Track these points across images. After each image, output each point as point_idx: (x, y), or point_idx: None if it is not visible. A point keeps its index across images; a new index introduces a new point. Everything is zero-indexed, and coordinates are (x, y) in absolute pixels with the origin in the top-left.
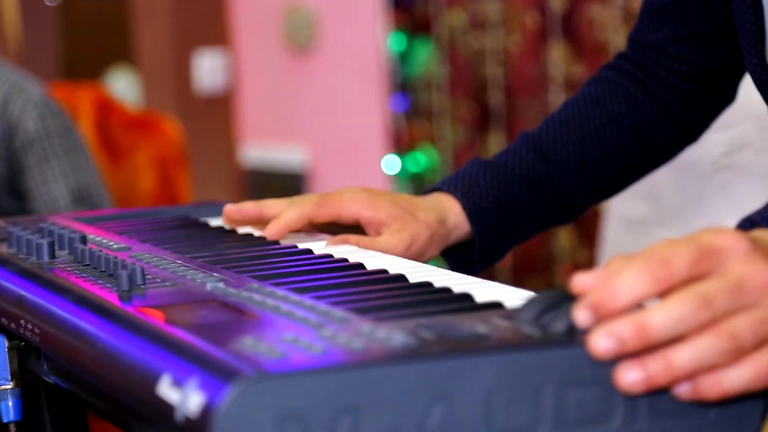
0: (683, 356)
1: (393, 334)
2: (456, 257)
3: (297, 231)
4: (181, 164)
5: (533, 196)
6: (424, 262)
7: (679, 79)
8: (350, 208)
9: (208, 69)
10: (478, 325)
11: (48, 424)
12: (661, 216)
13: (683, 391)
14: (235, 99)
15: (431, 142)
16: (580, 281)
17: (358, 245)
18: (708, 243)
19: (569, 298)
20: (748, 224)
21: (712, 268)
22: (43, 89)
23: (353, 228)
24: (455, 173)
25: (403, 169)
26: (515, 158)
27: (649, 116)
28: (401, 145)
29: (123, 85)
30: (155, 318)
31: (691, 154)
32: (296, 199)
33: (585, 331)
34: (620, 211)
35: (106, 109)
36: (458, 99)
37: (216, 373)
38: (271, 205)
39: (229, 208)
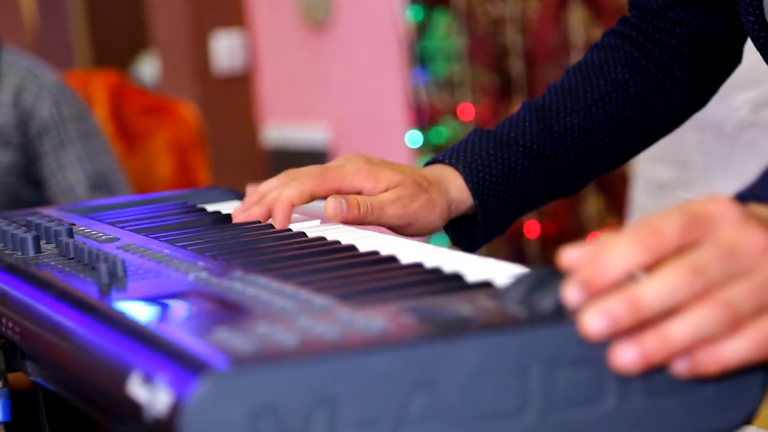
0: (679, 329)
1: (371, 321)
2: (458, 231)
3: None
4: (198, 148)
5: (538, 167)
6: (428, 232)
7: (682, 43)
8: (351, 181)
9: (225, 50)
10: (462, 307)
11: (45, 426)
12: (688, 178)
13: (681, 367)
14: (254, 79)
15: (453, 115)
16: (569, 257)
17: (359, 201)
18: (698, 210)
19: (558, 275)
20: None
21: (704, 236)
22: (58, 76)
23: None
24: (457, 144)
25: (427, 143)
26: (519, 129)
27: (654, 82)
28: (423, 119)
29: (150, 70)
30: (131, 312)
31: (716, 114)
32: (295, 174)
33: (574, 309)
34: (647, 175)
35: (121, 95)
36: (478, 69)
37: (185, 368)
38: (272, 190)
39: (236, 213)
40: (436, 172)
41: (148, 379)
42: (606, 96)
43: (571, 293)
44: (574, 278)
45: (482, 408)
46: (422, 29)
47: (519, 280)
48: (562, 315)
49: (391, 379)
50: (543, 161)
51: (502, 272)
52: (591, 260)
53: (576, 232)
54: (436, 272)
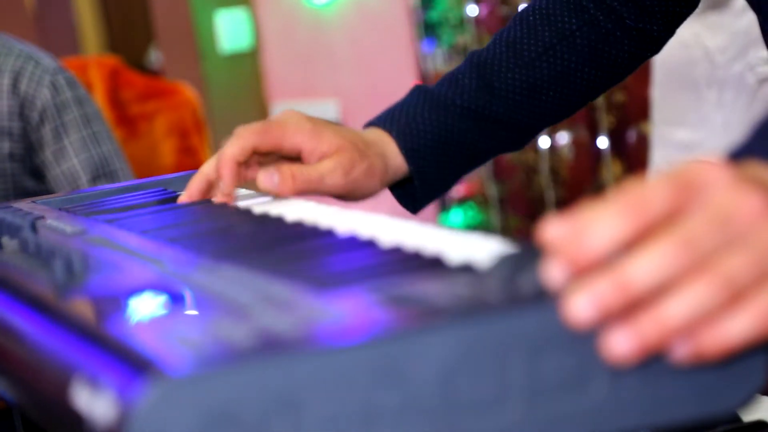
0: (676, 309)
1: (334, 313)
2: (400, 191)
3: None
4: (200, 131)
5: (476, 127)
6: (368, 197)
7: None
8: (293, 138)
9: (230, 29)
10: (435, 293)
11: None
12: (708, 137)
13: (681, 352)
14: (260, 58)
15: None
16: (549, 232)
17: (293, 174)
18: (686, 174)
19: (539, 253)
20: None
21: (693, 202)
22: (57, 61)
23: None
24: (394, 106)
25: None
26: (457, 87)
27: (603, 31)
28: None
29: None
30: (81, 309)
31: (734, 71)
32: (238, 130)
33: (557, 290)
34: (665, 135)
35: (119, 80)
36: (488, 37)
37: (131, 370)
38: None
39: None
40: (373, 135)
41: (92, 383)
42: (551, 49)
43: (552, 273)
44: (556, 256)
45: (460, 401)
46: None
47: (500, 262)
48: (543, 297)
49: (357, 375)
50: (482, 121)
51: (490, 251)
52: (572, 235)
53: (594, 196)
54: (416, 256)
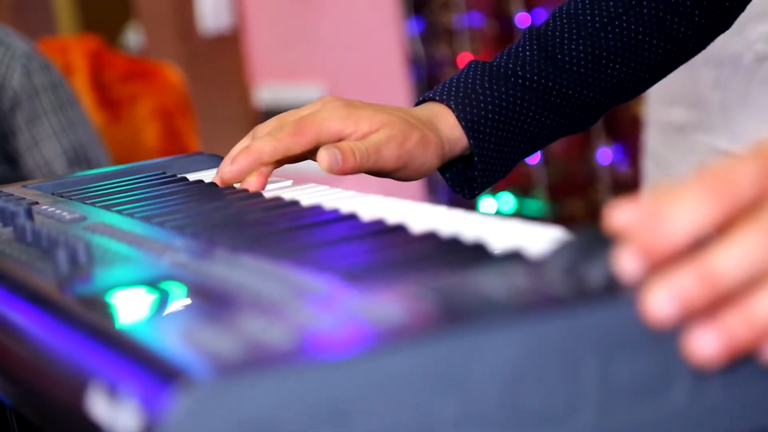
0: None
1: (384, 309)
2: (455, 175)
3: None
4: (186, 114)
5: (540, 100)
6: (424, 173)
7: None
8: (329, 129)
9: (211, 8)
10: (493, 286)
11: None
12: (705, 119)
13: None
14: (243, 38)
15: (453, 65)
16: (620, 216)
17: (352, 149)
18: None
19: (608, 240)
20: None
21: None
22: (31, 44)
23: None
24: (449, 79)
25: None
26: (518, 59)
27: (671, 1)
28: (421, 71)
29: (138, 39)
30: (93, 306)
31: (732, 48)
32: (272, 130)
33: (631, 282)
34: (660, 118)
35: (101, 61)
36: (477, 16)
37: (157, 377)
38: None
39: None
40: (425, 111)
41: (111, 391)
42: (617, 19)
43: (626, 263)
44: (630, 244)
45: (527, 410)
46: None
47: (560, 249)
48: (617, 290)
49: (412, 381)
50: (546, 94)
51: (532, 237)
52: (649, 220)
53: (586, 183)
54: (455, 242)
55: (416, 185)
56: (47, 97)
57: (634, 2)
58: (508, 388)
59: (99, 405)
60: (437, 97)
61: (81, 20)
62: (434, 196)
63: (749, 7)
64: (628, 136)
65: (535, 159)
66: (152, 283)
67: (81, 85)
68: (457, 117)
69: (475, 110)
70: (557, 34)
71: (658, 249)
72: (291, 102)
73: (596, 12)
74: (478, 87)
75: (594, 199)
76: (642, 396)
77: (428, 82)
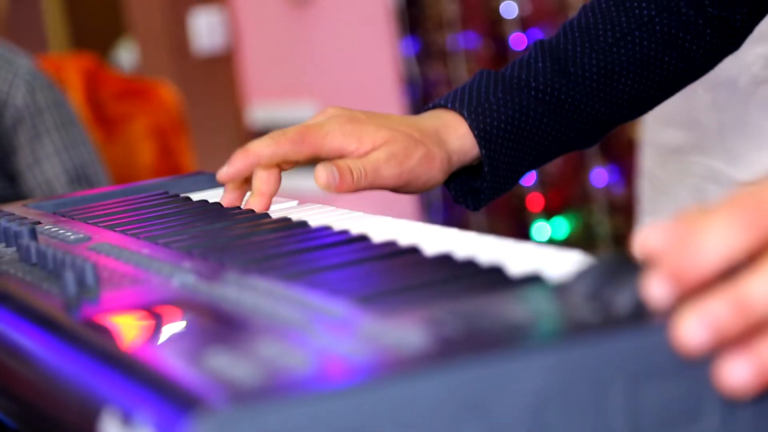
0: None
1: (406, 335)
2: (460, 186)
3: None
4: (180, 132)
5: (552, 113)
6: (428, 188)
7: None
8: (331, 143)
9: (205, 28)
10: (516, 311)
11: None
12: (701, 141)
13: None
14: (236, 58)
15: (447, 86)
16: (649, 240)
17: (350, 168)
18: None
19: (633, 265)
20: None
21: None
22: (32, 61)
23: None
24: (460, 87)
25: None
26: (530, 71)
27: (683, 18)
28: (416, 91)
29: (129, 56)
30: (103, 330)
31: (728, 71)
32: (274, 134)
33: (660, 309)
34: (656, 140)
35: (97, 79)
36: (472, 36)
37: (172, 405)
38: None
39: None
40: (433, 121)
41: (125, 418)
42: (629, 35)
43: (656, 289)
44: (659, 269)
45: None
46: None
47: (584, 274)
48: (644, 317)
49: (437, 409)
50: (558, 107)
51: (551, 261)
52: (679, 244)
53: (581, 204)
54: (470, 265)
55: (410, 204)
56: (50, 116)
57: (646, 19)
58: (535, 416)
59: (112, 430)
60: (449, 105)
61: (71, 38)
62: (428, 215)
63: None
64: (623, 158)
65: (530, 180)
66: (163, 306)
67: (76, 102)
68: (470, 126)
69: (488, 120)
70: (569, 47)
71: (689, 275)
72: (285, 121)
73: (608, 27)
74: (491, 97)
75: (589, 221)
76: (671, 425)
77: (423, 102)
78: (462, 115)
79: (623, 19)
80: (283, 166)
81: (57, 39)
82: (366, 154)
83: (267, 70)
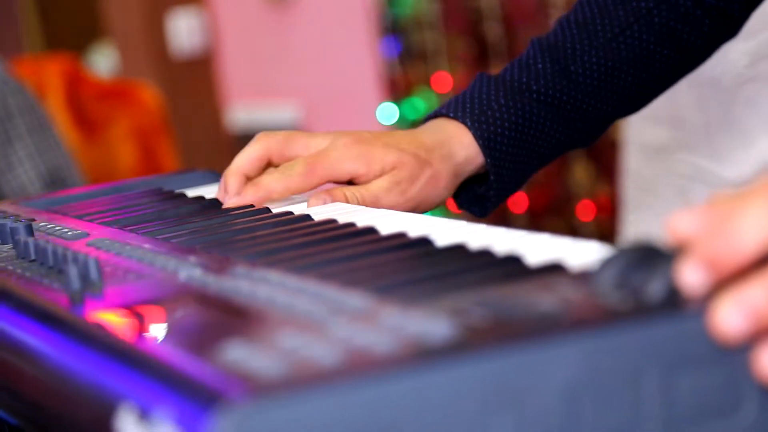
0: None
1: (430, 324)
2: (465, 194)
3: None
4: (162, 134)
5: (555, 116)
6: (435, 207)
7: None
8: (342, 169)
9: (184, 30)
10: (542, 298)
11: None
12: (686, 139)
13: None
14: (216, 59)
15: (428, 85)
16: (682, 225)
17: (346, 197)
18: None
19: (660, 253)
20: None
21: None
22: (3, 65)
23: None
24: (461, 94)
25: (402, 117)
26: (531, 73)
27: (681, 10)
28: (397, 92)
29: (105, 61)
30: (112, 324)
31: (713, 69)
32: (284, 168)
33: (694, 296)
34: (640, 139)
35: (77, 81)
36: (453, 36)
37: (192, 400)
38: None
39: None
40: (437, 134)
41: (141, 413)
42: (628, 29)
43: (690, 275)
44: (693, 255)
45: (586, 428)
46: None
47: (611, 261)
48: (678, 304)
49: (466, 399)
50: (561, 108)
51: (565, 251)
52: (714, 230)
53: (564, 203)
54: (486, 255)
55: None
56: (22, 120)
57: (644, 12)
58: (567, 407)
59: (129, 428)
60: (451, 114)
61: (45, 40)
62: None
63: None
64: (606, 158)
65: None
66: (172, 300)
67: (56, 104)
68: (474, 135)
69: (492, 127)
70: (568, 45)
71: (725, 261)
72: (266, 122)
73: (606, 22)
74: (493, 103)
75: (572, 222)
76: (708, 416)
77: (402, 104)
78: (465, 124)
79: (621, 12)
80: None
81: (30, 42)
82: (376, 177)
83: (247, 72)
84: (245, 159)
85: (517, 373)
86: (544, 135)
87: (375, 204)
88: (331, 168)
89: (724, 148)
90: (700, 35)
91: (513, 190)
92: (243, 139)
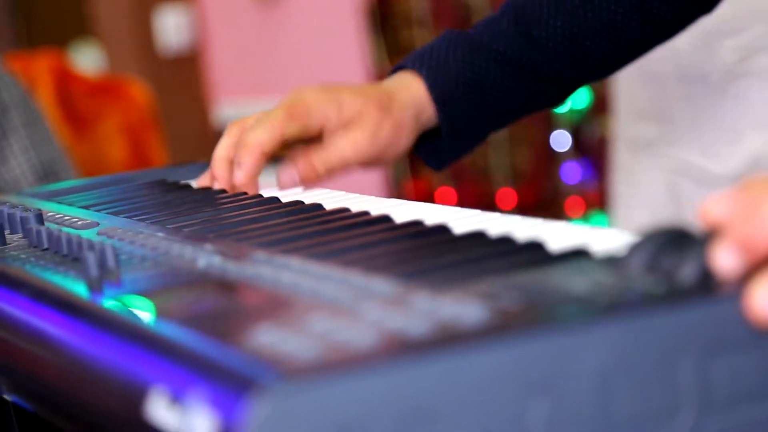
0: None
1: (463, 308)
2: (424, 146)
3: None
4: (151, 129)
5: (513, 76)
6: (397, 156)
7: None
8: (317, 111)
9: (172, 27)
10: (574, 283)
11: None
12: (675, 135)
13: None
14: (204, 56)
15: None
16: (715, 209)
17: (312, 162)
18: None
19: (691, 237)
20: None
21: None
22: None
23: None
24: (424, 47)
25: None
26: (493, 32)
27: None
28: None
29: (88, 60)
30: (134, 311)
31: (702, 65)
32: (262, 117)
33: (728, 279)
34: (629, 134)
35: (67, 77)
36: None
37: (225, 384)
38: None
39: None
40: (397, 84)
41: (174, 399)
42: None
43: (724, 258)
44: (726, 239)
45: (620, 413)
46: None
47: (640, 244)
48: (712, 288)
49: (502, 383)
50: (519, 69)
51: (586, 237)
52: (747, 213)
53: (552, 198)
54: (507, 241)
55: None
56: (14, 115)
57: None
58: (602, 391)
59: (162, 412)
60: (409, 65)
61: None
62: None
63: (719, 24)
64: (595, 153)
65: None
66: (194, 287)
67: (46, 100)
68: (427, 87)
69: (446, 80)
70: (536, 8)
71: (760, 244)
72: None
73: None
74: (450, 58)
75: (561, 217)
76: (744, 399)
77: None
78: (421, 74)
79: None
80: (279, 149)
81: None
82: (346, 123)
83: (235, 68)
84: (224, 147)
85: (552, 357)
86: (501, 95)
87: (341, 161)
88: (308, 110)
89: (712, 144)
90: (670, 9)
91: (471, 147)
92: None
